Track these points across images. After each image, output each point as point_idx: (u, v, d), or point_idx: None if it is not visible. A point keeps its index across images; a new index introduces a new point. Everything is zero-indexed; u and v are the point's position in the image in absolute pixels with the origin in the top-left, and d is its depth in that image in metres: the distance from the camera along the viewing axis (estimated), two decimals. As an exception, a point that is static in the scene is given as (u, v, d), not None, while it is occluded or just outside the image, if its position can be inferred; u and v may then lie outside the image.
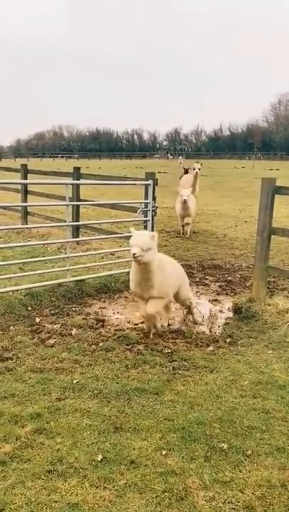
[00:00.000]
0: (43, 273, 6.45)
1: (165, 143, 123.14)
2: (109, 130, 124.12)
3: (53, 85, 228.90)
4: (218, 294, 6.72)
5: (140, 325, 5.37)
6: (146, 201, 7.11)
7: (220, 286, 7.08)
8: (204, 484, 2.71)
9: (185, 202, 10.30)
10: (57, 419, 3.34)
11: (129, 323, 5.46)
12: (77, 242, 8.70)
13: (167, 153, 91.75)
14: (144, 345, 4.74)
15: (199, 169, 12.70)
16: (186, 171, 14.57)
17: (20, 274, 6.32)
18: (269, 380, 3.97)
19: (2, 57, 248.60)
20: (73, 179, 8.97)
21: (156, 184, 7.19)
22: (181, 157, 57.61)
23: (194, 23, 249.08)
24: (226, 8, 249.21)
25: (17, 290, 5.81)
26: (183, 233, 11.07)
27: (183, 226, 11.12)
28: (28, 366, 4.16)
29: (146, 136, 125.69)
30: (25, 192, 10.85)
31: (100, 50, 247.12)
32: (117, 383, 3.88)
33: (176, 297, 5.37)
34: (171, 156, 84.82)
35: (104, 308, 5.94)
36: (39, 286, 5.98)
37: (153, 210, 7.12)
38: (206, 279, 7.48)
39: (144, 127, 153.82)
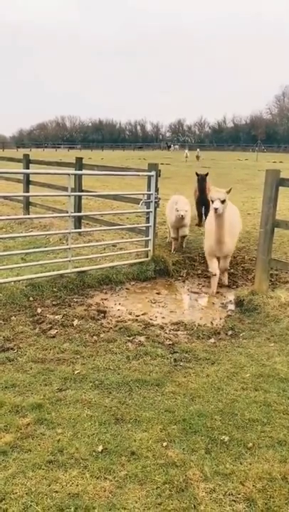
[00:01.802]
0: (45, 264, 6.44)
1: (168, 134, 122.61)
2: (112, 121, 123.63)
3: (55, 75, 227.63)
4: (220, 287, 6.70)
5: (141, 316, 5.37)
6: (148, 192, 7.07)
7: (222, 279, 7.05)
8: (205, 476, 2.70)
9: None
10: (58, 409, 3.34)
11: (130, 314, 5.45)
12: (79, 233, 8.66)
13: (167, 144, 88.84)
14: (146, 337, 4.73)
15: (223, 202, 5.93)
16: (203, 179, 10.16)
17: (22, 265, 6.31)
18: (270, 373, 3.96)
19: (3, 46, 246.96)
20: (75, 169, 8.91)
21: (159, 175, 7.15)
22: (186, 150, 51.19)
23: (197, 14, 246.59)
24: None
25: (19, 280, 5.80)
26: (174, 249, 8.27)
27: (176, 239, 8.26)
28: (30, 357, 4.16)
29: (149, 127, 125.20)
30: (28, 182, 10.80)
31: (102, 39, 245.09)
32: (118, 374, 3.88)
33: None
34: (176, 147, 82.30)
35: (105, 299, 5.93)
36: (41, 277, 5.96)
37: (155, 202, 7.08)
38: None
39: (147, 118, 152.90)
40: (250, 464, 2.82)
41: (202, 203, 10.31)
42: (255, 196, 15.43)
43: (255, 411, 3.39)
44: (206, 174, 10.39)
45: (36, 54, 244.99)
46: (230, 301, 6.04)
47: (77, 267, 6.43)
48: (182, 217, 7.74)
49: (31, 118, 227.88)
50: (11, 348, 4.32)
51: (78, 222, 9.05)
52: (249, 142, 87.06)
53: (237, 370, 4.03)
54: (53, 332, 4.72)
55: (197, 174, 10.48)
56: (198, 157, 45.74)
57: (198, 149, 53.93)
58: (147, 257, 7.16)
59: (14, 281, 5.76)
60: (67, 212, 6.81)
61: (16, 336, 4.61)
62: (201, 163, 40.49)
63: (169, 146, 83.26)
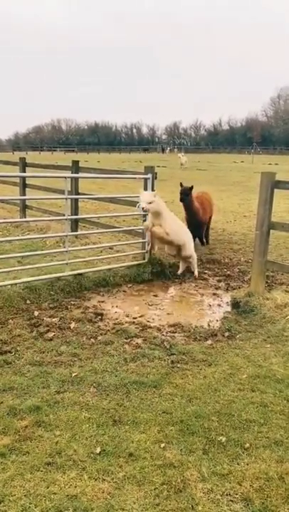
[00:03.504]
0: (42, 267, 6.45)
1: (164, 137, 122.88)
2: (108, 124, 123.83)
3: (52, 76, 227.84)
4: (216, 289, 6.73)
5: (139, 319, 5.38)
6: (145, 195, 7.08)
7: (218, 281, 7.09)
8: (202, 477, 2.72)
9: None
10: (56, 412, 3.36)
11: (127, 316, 5.46)
12: (76, 236, 8.69)
13: (162, 147, 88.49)
14: (143, 339, 4.75)
15: None
16: (186, 193, 8.10)
17: (18, 268, 6.31)
18: (267, 374, 3.99)
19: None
20: (72, 173, 8.94)
21: (156, 178, 7.18)
22: (181, 154, 41.45)
23: (194, 14, 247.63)
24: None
25: (16, 284, 5.80)
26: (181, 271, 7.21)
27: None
28: (27, 359, 4.16)
29: (145, 130, 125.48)
30: (24, 185, 10.81)
31: (98, 39, 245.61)
32: (116, 376, 3.89)
33: None
34: (176, 149, 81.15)
35: (102, 302, 5.94)
36: (38, 280, 5.97)
37: (152, 204, 7.10)
38: (205, 273, 7.49)
39: (143, 121, 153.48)
40: (247, 464, 2.84)
41: (190, 225, 8.19)
42: (251, 198, 15.52)
43: (251, 412, 3.41)
44: (191, 188, 8.14)
45: (32, 55, 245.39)
46: (227, 302, 6.06)
47: (74, 270, 6.44)
48: (144, 211, 6.53)
49: (27, 121, 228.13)
50: (9, 351, 4.32)
51: (75, 224, 9.07)
52: (245, 144, 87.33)
53: (234, 371, 4.05)
54: (51, 335, 4.73)
55: (181, 186, 8.27)
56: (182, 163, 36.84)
57: (182, 153, 46.74)
58: (144, 259, 7.18)
59: (11, 285, 5.76)
60: (64, 215, 6.82)
61: (14, 339, 4.62)
62: (196, 165, 40.45)
63: (164, 149, 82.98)
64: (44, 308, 5.47)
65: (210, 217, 9.31)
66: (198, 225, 8.56)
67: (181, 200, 8.19)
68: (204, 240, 9.14)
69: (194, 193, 8.64)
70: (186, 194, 8.12)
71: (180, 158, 38.02)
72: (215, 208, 9.85)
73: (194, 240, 8.30)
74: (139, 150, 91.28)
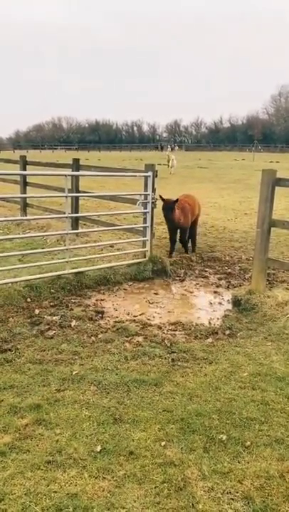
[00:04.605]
0: (43, 265, 6.44)
1: (165, 135, 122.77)
2: (109, 122, 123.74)
3: (51, 76, 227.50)
4: (217, 286, 6.72)
5: (139, 317, 5.38)
6: (145, 193, 7.08)
7: (219, 279, 7.08)
8: (203, 475, 2.71)
9: None
10: (56, 410, 3.35)
11: (128, 315, 5.46)
12: (77, 234, 8.67)
13: (160, 145, 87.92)
14: (144, 337, 4.74)
15: None
16: (170, 208, 7.71)
17: (19, 266, 6.30)
18: (268, 372, 3.98)
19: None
20: (72, 171, 8.92)
21: (156, 176, 7.16)
22: (169, 151, 34.81)
23: (194, 13, 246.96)
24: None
25: (16, 282, 5.80)
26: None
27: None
28: (28, 357, 4.16)
29: (145, 128, 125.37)
30: (25, 183, 10.79)
31: (97, 39, 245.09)
32: (117, 375, 3.89)
33: None
34: (176, 148, 79.62)
35: (103, 300, 5.94)
36: (38, 278, 5.97)
37: (152, 202, 7.10)
38: (206, 271, 7.48)
39: (144, 119, 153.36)
40: (248, 463, 2.83)
41: (172, 230, 8.26)
42: (252, 196, 15.49)
43: (252, 410, 3.40)
44: (175, 201, 7.78)
45: (32, 54, 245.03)
46: (228, 300, 6.05)
47: (74, 268, 6.44)
48: None
49: (28, 119, 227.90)
50: (9, 350, 4.32)
51: (75, 223, 9.05)
52: (246, 142, 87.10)
53: (235, 369, 4.04)
54: (51, 333, 4.72)
55: (162, 199, 7.63)
56: (170, 164, 29.09)
57: (172, 150, 38.58)
58: (145, 257, 7.17)
59: (12, 283, 5.76)
60: (64, 213, 6.81)
61: (14, 337, 4.61)
62: (197, 163, 40.25)
63: (162, 147, 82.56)
64: (45, 306, 5.47)
65: (196, 220, 8.74)
66: (181, 230, 8.43)
67: (165, 216, 7.87)
68: (189, 246, 8.57)
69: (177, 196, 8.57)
70: (170, 209, 7.76)
71: (171, 161, 29.45)
72: (200, 208, 9.17)
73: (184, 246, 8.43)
74: (139, 148, 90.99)
